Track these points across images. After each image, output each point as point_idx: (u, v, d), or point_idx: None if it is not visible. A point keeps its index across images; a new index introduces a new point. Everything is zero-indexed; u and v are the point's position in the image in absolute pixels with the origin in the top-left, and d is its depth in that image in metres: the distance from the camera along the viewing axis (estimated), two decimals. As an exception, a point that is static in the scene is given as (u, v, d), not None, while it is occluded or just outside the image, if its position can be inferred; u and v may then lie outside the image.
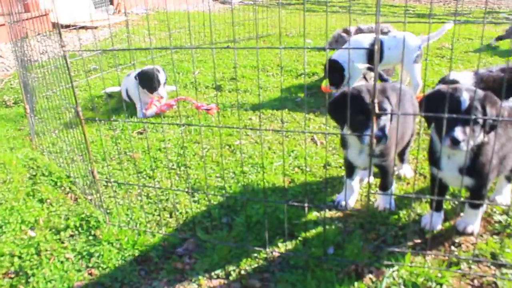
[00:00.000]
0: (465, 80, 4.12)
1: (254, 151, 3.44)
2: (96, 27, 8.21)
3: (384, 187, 2.71)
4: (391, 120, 2.42)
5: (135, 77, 4.33)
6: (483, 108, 2.14)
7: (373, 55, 4.53)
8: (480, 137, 2.20)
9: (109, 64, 5.95)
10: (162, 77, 4.35)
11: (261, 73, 5.35)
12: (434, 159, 2.35)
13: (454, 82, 4.12)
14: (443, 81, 4.24)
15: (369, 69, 4.10)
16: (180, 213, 2.78)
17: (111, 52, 6.10)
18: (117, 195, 2.99)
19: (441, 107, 2.09)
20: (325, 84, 4.72)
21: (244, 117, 4.12)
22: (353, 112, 2.20)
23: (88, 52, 6.08)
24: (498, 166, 2.32)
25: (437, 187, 2.35)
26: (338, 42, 5.59)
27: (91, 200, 2.91)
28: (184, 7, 9.58)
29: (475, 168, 2.24)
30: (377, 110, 2.06)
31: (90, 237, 2.58)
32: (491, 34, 7.15)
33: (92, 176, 2.67)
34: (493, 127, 2.17)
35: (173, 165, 3.35)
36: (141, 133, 3.95)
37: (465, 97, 2.13)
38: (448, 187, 2.52)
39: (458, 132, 2.09)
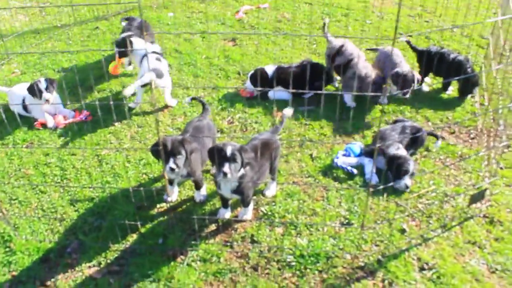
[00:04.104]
0: (269, 69, 5.86)
1: (115, 161, 4.92)
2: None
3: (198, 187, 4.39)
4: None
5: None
6: (240, 153, 3.80)
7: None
8: (240, 171, 3.87)
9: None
10: (42, 85, 5.38)
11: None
12: (217, 184, 4.02)
13: (262, 70, 5.84)
14: (256, 69, 5.88)
15: None
16: (66, 221, 4.29)
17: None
18: (20, 211, 4.39)
19: (217, 155, 3.72)
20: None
21: (108, 123, 5.47)
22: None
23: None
24: (255, 184, 4.08)
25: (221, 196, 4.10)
26: None
27: (1, 217, 4.29)
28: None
29: (239, 190, 3.96)
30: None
31: (7, 249, 4.05)
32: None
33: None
34: (247, 164, 3.86)
35: (58, 179, 4.76)
36: (28, 147, 5.19)
37: (228, 149, 3.76)
38: None
39: (226, 169, 3.75)
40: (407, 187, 4.46)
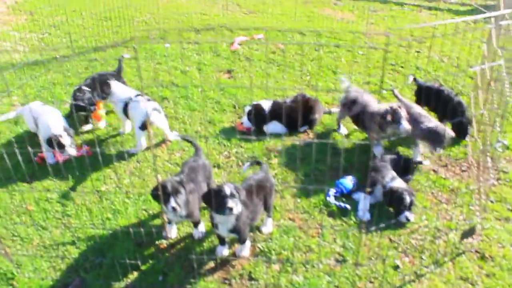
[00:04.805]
0: (265, 104, 6.02)
1: (115, 197, 5.02)
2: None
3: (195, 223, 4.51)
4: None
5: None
6: (237, 192, 3.93)
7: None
8: (238, 208, 3.99)
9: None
10: (65, 140, 5.36)
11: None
12: (214, 224, 4.14)
13: (259, 106, 6.00)
14: (253, 105, 6.04)
15: None
16: (68, 258, 4.37)
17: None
18: (22, 248, 4.47)
19: (215, 196, 3.84)
20: None
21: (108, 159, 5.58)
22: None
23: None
24: (250, 222, 4.20)
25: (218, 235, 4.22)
26: None
27: (4, 254, 4.36)
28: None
29: (236, 229, 4.08)
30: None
31: (10, 287, 4.12)
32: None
33: None
34: (242, 204, 3.99)
35: (59, 215, 4.85)
36: (29, 182, 5.28)
37: (227, 189, 3.89)
38: None
39: (230, 204, 3.86)
40: (408, 220, 4.62)
